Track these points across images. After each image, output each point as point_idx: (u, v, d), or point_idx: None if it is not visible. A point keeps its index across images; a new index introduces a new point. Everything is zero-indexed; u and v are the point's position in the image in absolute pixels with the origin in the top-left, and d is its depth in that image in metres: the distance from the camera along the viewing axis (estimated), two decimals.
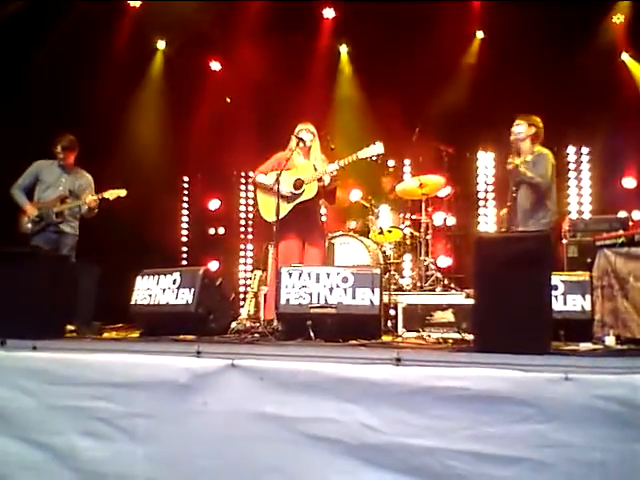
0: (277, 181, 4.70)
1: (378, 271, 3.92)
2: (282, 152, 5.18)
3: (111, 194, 5.61)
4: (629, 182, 7.84)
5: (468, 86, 7.81)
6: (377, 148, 4.79)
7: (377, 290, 3.83)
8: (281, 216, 4.74)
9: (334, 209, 5.35)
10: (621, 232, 4.63)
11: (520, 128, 5.29)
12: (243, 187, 9.53)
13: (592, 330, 3.81)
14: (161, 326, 4.07)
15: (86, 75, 7.00)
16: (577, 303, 3.78)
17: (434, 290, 5.97)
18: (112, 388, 2.96)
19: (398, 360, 2.66)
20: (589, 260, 4.64)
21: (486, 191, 8.46)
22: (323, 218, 5.23)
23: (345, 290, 3.87)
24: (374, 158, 4.80)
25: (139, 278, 4.42)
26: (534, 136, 5.28)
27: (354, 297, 3.85)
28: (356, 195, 7.56)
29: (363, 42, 8.17)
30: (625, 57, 7.80)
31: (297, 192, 5.00)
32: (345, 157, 4.95)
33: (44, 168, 5.82)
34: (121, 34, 7.72)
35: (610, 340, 3.67)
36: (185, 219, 9.57)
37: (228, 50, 8.38)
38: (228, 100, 9.08)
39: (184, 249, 9.40)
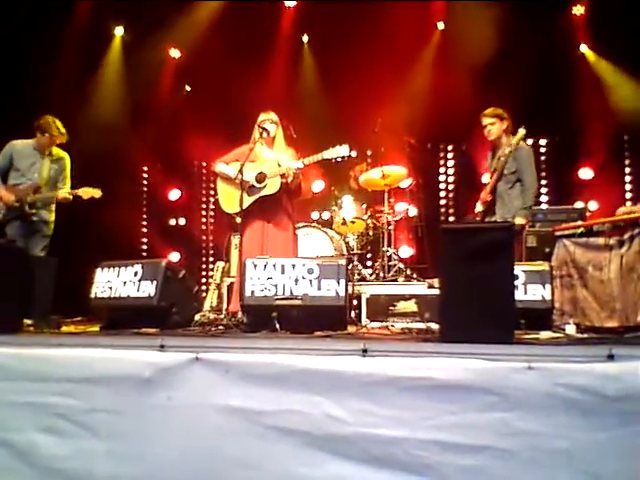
0: (240, 172, 4.65)
1: (343, 262, 3.93)
2: (244, 146, 5.12)
3: (85, 192, 5.42)
4: (586, 173, 8.02)
5: (430, 77, 7.87)
6: (343, 150, 4.77)
7: (343, 281, 3.84)
8: (243, 208, 4.68)
9: (298, 201, 5.34)
10: (580, 223, 4.73)
11: (494, 128, 5.39)
12: (204, 177, 9.45)
13: (552, 319, 3.89)
14: (122, 319, 4.01)
15: (41, 61, 6.81)
16: (537, 292, 3.85)
17: (397, 280, 6.01)
18: (72, 384, 2.88)
19: (364, 351, 2.66)
20: (548, 250, 4.73)
21: (447, 182, 8.57)
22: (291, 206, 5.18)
23: (311, 281, 3.87)
24: (339, 159, 4.79)
25: (98, 270, 4.33)
26: (507, 129, 5.39)
27: (319, 288, 3.85)
28: (319, 186, 7.55)
29: (324, 31, 8.15)
30: (584, 49, 7.94)
31: (259, 186, 4.96)
32: (308, 150, 4.93)
33: (18, 151, 5.55)
34: (77, 19, 7.55)
35: (570, 329, 3.75)
36: (145, 210, 9.43)
37: (188, 37, 8.25)
38: (188, 89, 8.97)
39: (144, 240, 9.27)
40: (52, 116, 5.60)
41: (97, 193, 5.45)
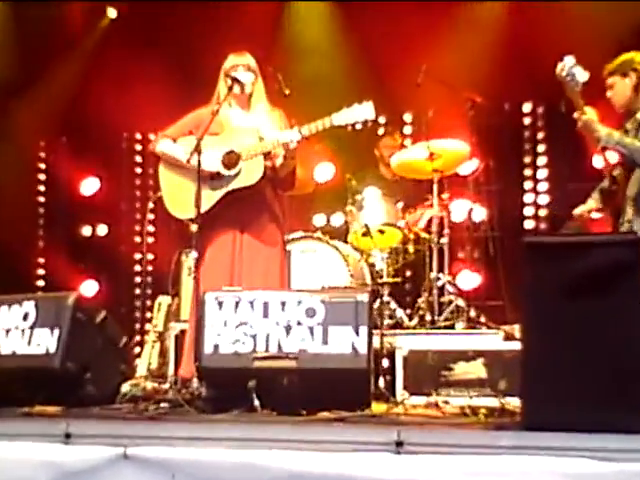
0: (197, 150, 4.67)
1: (365, 297, 3.94)
2: (202, 108, 5.16)
3: None
4: None
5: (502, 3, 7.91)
6: (364, 111, 4.79)
7: (364, 329, 3.85)
8: (203, 210, 4.71)
9: (291, 197, 5.35)
10: None
11: (617, 93, 5.22)
12: (138, 158, 9.47)
13: None
14: (3, 391, 4.01)
15: None
16: None
17: (453, 327, 6.01)
18: None
19: (399, 444, 2.68)
20: None
21: (535, 166, 8.55)
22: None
23: (312, 329, 3.88)
24: (358, 126, 4.81)
25: None
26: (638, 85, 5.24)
27: (326, 341, 3.86)
28: (326, 172, 7.56)
29: None
30: None
31: (229, 173, 4.97)
32: (308, 115, 4.94)
33: None
34: None
35: None
36: (42, 211, 9.45)
37: None
38: (112, 14, 9.00)
39: (40, 261, 9.28)
40: None
41: None
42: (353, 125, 4.82)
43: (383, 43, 7.50)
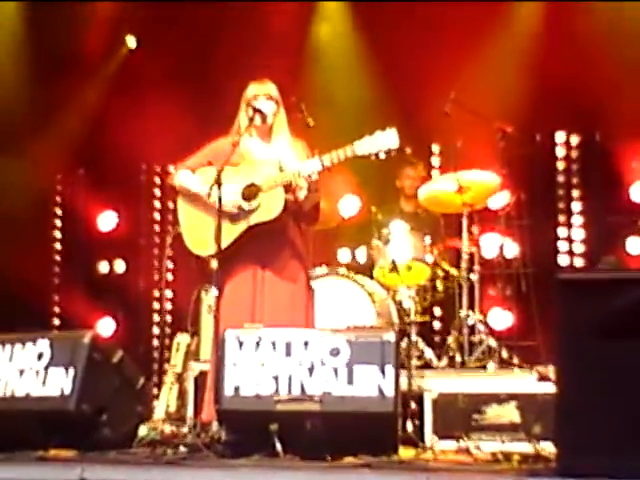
0: (217, 183, 4.67)
1: (392, 337, 3.93)
2: (222, 138, 5.17)
3: None
4: None
5: (537, 24, 7.91)
6: (387, 139, 4.76)
7: (391, 370, 3.83)
8: (223, 246, 4.69)
9: (314, 231, 5.34)
10: None
11: None
12: (158, 191, 9.50)
13: None
14: (16, 434, 4.02)
15: None
16: None
17: (485, 368, 5.97)
18: None
19: None
20: None
21: (569, 198, 8.51)
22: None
23: (336, 370, 3.87)
24: (382, 155, 4.81)
25: None
26: None
27: (351, 382, 3.85)
28: (351, 205, 7.57)
29: None
30: None
31: (249, 207, 4.98)
32: (332, 146, 4.92)
33: None
34: None
35: None
36: (58, 247, 9.50)
37: None
38: (132, 44, 9.09)
39: (55, 299, 9.31)
40: None
41: None
42: (376, 155, 4.81)
43: (409, 70, 7.54)
